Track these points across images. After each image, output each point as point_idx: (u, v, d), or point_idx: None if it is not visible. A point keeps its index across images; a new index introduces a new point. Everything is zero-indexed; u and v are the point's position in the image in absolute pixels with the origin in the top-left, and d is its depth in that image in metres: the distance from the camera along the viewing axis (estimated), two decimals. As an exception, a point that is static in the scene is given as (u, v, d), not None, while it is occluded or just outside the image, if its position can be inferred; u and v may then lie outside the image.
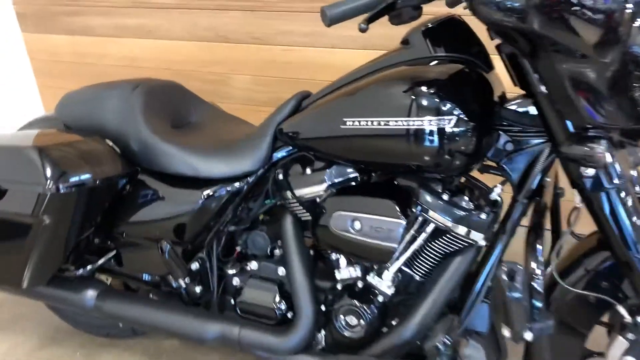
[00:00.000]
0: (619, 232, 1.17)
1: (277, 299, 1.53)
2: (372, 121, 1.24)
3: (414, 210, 1.29)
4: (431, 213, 1.29)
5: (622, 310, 1.21)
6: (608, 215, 1.17)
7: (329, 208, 1.37)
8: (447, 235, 1.31)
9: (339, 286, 1.46)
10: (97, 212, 1.56)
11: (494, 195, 1.32)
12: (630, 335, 1.21)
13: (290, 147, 1.48)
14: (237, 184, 1.50)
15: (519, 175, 1.30)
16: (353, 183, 1.40)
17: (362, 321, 1.40)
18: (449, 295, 1.34)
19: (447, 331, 1.35)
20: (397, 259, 1.34)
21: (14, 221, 1.49)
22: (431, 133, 1.20)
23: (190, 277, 1.56)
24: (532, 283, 1.19)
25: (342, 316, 1.42)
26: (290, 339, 1.45)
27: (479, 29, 1.31)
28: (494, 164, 1.33)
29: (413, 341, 1.36)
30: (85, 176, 1.44)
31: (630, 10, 0.95)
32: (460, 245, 1.32)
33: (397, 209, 1.27)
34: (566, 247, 1.36)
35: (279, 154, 1.50)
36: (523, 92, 1.25)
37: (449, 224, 1.28)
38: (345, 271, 1.44)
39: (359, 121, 1.26)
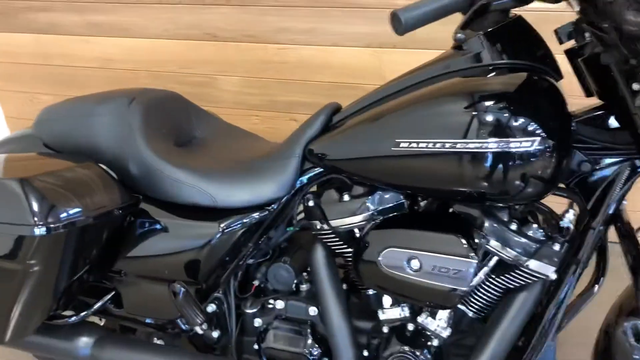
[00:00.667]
0: None
1: (309, 342, 1.33)
2: (433, 143, 1.05)
3: (477, 242, 1.11)
4: (496, 245, 1.12)
5: None
6: None
7: (376, 242, 1.17)
8: (515, 269, 1.14)
9: (384, 329, 1.27)
10: (92, 250, 1.32)
11: (566, 222, 1.15)
12: None
13: (320, 170, 1.28)
14: (259, 214, 1.29)
15: (593, 199, 1.13)
16: (396, 213, 1.21)
17: None
18: (516, 335, 1.18)
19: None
20: None
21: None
22: (508, 156, 1.02)
23: (207, 321, 1.35)
24: None
25: (393, 365, 1.23)
26: (329, 389, 1.27)
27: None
28: (562, 186, 1.16)
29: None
30: (81, 213, 1.21)
31: None
32: (527, 280, 1.15)
33: (467, 245, 1.09)
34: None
35: (306, 177, 1.29)
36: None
37: (520, 258, 1.11)
38: (391, 312, 1.26)
39: (417, 143, 1.07)
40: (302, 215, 1.32)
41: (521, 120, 1.01)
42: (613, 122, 1.11)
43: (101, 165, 1.31)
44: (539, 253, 1.12)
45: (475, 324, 1.26)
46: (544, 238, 1.12)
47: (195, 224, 1.31)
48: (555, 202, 1.20)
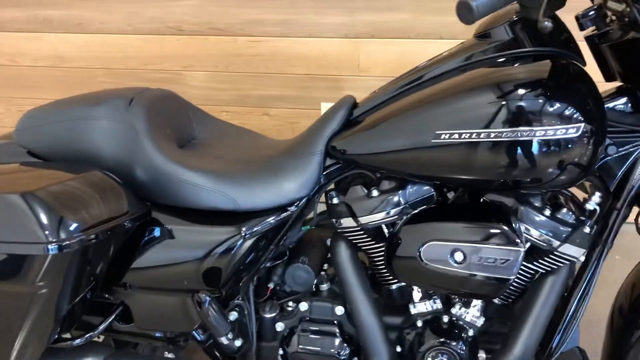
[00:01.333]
0: None
1: (338, 342, 1.30)
2: (477, 133, 1.04)
3: (518, 230, 1.11)
4: (533, 232, 1.13)
5: None
6: None
7: (414, 237, 1.15)
8: (547, 254, 1.16)
9: (418, 323, 1.25)
10: (100, 264, 1.22)
11: (592, 205, 1.17)
12: None
13: (340, 165, 1.24)
14: (282, 214, 1.24)
15: (616, 181, 1.17)
16: (425, 205, 1.20)
17: None
18: (548, 319, 1.20)
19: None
20: None
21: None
22: (551, 143, 1.02)
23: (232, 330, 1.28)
24: None
25: (431, 359, 1.22)
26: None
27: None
28: None
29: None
30: (94, 226, 1.11)
31: None
32: (558, 264, 1.17)
33: (513, 234, 1.09)
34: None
35: (326, 174, 1.25)
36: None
37: (554, 242, 1.13)
38: (422, 305, 1.25)
39: (459, 134, 1.05)
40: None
41: (563, 107, 1.02)
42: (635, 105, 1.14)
43: (107, 172, 1.21)
44: (571, 237, 1.13)
45: (501, 311, 1.27)
46: (574, 222, 1.14)
47: (215, 230, 1.23)
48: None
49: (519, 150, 1.04)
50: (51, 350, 1.28)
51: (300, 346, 1.31)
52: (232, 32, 2.22)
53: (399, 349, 1.28)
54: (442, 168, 1.10)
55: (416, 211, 1.19)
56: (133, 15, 2.27)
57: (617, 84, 1.18)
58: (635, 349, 1.25)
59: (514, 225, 1.11)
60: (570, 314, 1.20)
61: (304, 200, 1.24)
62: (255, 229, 1.22)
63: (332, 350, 1.29)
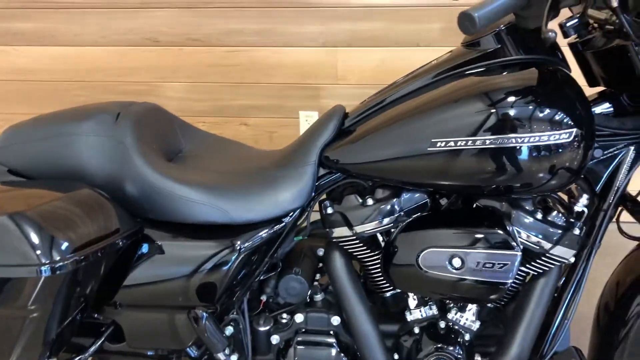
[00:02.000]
0: None
1: (335, 353, 1.29)
2: (472, 141, 1.06)
3: (513, 234, 1.13)
4: (526, 236, 1.15)
5: None
6: None
7: (411, 244, 1.16)
8: (539, 257, 1.18)
9: (415, 329, 1.26)
10: (91, 284, 1.19)
11: (580, 207, 1.20)
12: None
13: (333, 176, 1.25)
14: (276, 226, 1.23)
15: (602, 183, 1.20)
16: (419, 212, 1.21)
17: None
18: (541, 320, 1.22)
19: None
20: None
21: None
22: (543, 149, 1.05)
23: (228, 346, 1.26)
24: None
25: (431, 365, 1.23)
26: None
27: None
28: None
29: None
30: (87, 246, 1.08)
31: None
32: (549, 267, 1.20)
33: (510, 238, 1.11)
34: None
35: (319, 184, 1.25)
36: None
37: (547, 245, 1.15)
38: (418, 311, 1.26)
39: (455, 141, 1.07)
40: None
41: (556, 113, 1.04)
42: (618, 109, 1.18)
43: (97, 189, 1.18)
44: (561, 239, 1.16)
45: (494, 314, 1.29)
46: (565, 224, 1.17)
47: (209, 244, 1.22)
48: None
49: (514, 156, 1.06)
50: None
51: (297, 358, 1.30)
52: (208, 42, 2.20)
53: (396, 356, 1.28)
54: (438, 175, 1.12)
55: (411, 219, 1.19)
56: (107, 27, 2.23)
57: (600, 88, 1.22)
58: (622, 346, 1.28)
59: (508, 229, 1.12)
60: (561, 314, 1.23)
61: (298, 211, 1.24)
62: (250, 242, 1.21)
63: None
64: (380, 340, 1.26)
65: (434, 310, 1.25)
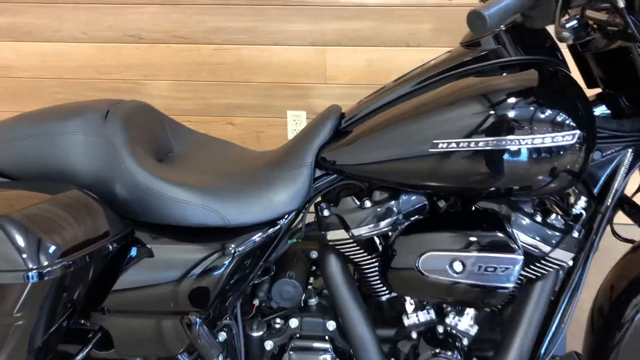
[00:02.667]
0: None
1: (331, 359, 1.26)
2: (475, 142, 1.04)
3: (514, 237, 1.12)
4: (526, 239, 1.13)
5: None
6: None
7: (410, 248, 1.14)
8: (538, 260, 1.17)
9: (413, 334, 1.24)
10: (78, 290, 1.14)
11: (579, 209, 1.20)
12: None
13: (329, 177, 1.22)
14: (272, 229, 1.20)
15: (599, 185, 1.19)
16: (417, 215, 1.19)
17: None
18: (539, 324, 1.21)
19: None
20: None
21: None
22: (546, 151, 1.03)
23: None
24: None
25: (430, 371, 1.21)
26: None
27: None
28: None
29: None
30: (76, 250, 1.04)
31: None
32: (547, 270, 1.19)
33: (511, 241, 1.09)
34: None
35: (315, 185, 1.22)
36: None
37: (546, 248, 1.14)
38: (416, 316, 1.23)
39: (457, 143, 1.05)
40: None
41: (559, 114, 1.03)
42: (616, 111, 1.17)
43: (85, 191, 1.14)
44: (561, 242, 1.15)
45: (490, 318, 1.28)
46: (564, 227, 1.16)
47: (202, 247, 1.18)
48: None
49: (516, 158, 1.04)
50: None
51: (294, 364, 1.27)
52: (195, 40, 2.15)
53: (393, 362, 1.26)
54: (439, 177, 1.10)
55: (410, 221, 1.17)
56: (89, 23, 2.16)
57: (597, 90, 1.21)
58: (616, 349, 1.28)
59: (509, 232, 1.11)
60: (558, 318, 1.22)
61: (293, 213, 1.21)
62: (244, 245, 1.17)
63: None
64: (377, 345, 1.24)
65: (432, 315, 1.23)
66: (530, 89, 1.06)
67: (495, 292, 1.11)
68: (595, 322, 1.34)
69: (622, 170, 1.18)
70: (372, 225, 1.17)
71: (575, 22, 1.12)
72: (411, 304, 1.24)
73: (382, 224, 1.17)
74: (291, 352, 1.27)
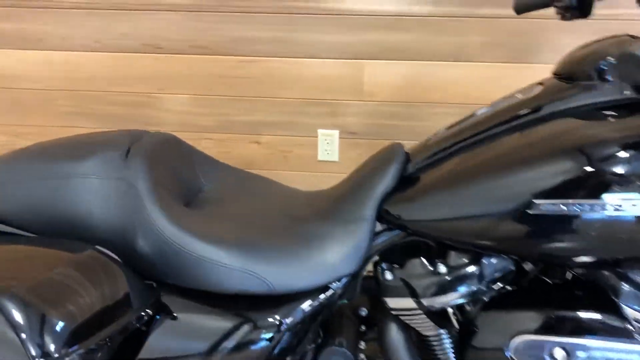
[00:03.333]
0: None
1: None
2: (589, 205, 0.83)
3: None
4: (635, 314, 0.93)
5: None
6: None
7: (497, 327, 0.94)
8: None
9: None
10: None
11: None
12: None
13: (391, 233, 1.02)
14: (324, 295, 1.00)
15: None
16: (502, 284, 0.99)
17: None
18: None
19: None
20: None
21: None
22: None
23: None
24: None
25: None
26: None
27: None
28: None
29: None
30: (95, 331, 0.84)
31: None
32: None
33: (625, 323, 0.89)
34: None
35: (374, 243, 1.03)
36: None
37: None
38: None
39: (566, 204, 0.84)
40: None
41: None
42: None
43: (105, 251, 0.94)
44: None
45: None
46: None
47: (241, 318, 0.98)
48: None
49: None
50: None
51: None
52: (217, 50, 1.95)
53: None
54: (540, 243, 0.89)
55: (492, 290, 0.97)
56: (101, 31, 1.96)
57: None
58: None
59: (623, 310, 0.91)
60: None
61: (351, 276, 1.01)
62: (292, 315, 0.98)
63: None
64: None
65: None
66: None
67: None
68: None
69: None
70: (448, 295, 0.97)
71: None
72: None
73: (460, 293, 0.97)
74: None
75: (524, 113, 0.95)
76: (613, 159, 0.84)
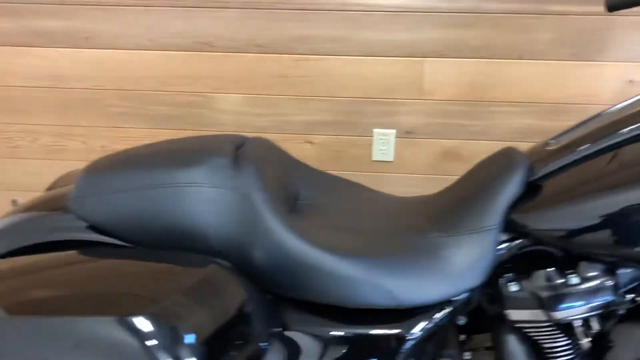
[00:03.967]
0: None
1: None
2: None
3: None
4: None
5: None
6: None
7: (635, 341, 0.89)
8: None
9: None
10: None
11: None
12: None
13: (514, 243, 0.98)
14: (448, 308, 0.96)
15: None
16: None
17: None
18: None
19: None
20: None
21: None
22: None
23: None
24: None
25: None
26: None
27: None
28: None
29: None
30: (228, 349, 0.79)
31: None
32: None
33: None
34: None
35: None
36: None
37: None
38: None
39: None
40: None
41: None
42: None
43: (226, 264, 0.89)
44: None
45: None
46: None
47: (368, 333, 0.94)
48: None
49: None
50: None
51: None
52: (275, 49, 1.90)
53: None
54: None
55: (628, 301, 0.93)
56: (154, 28, 1.91)
57: None
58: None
59: None
60: None
61: (474, 289, 0.96)
62: (420, 329, 0.93)
63: None
64: None
65: None
66: None
67: None
68: None
69: None
70: (581, 306, 0.93)
71: None
72: None
73: (594, 305, 0.92)
74: None
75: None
76: None
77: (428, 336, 0.96)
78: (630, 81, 1.78)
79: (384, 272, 0.92)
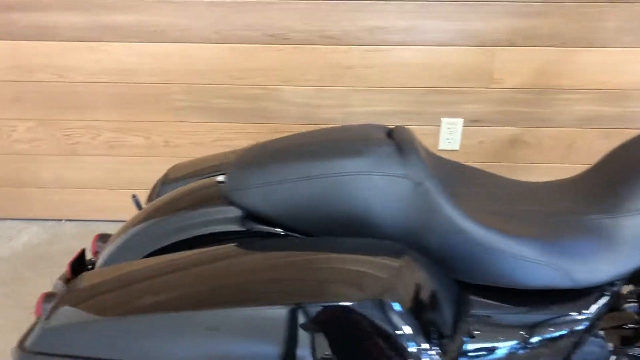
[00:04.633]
0: None
1: None
2: None
3: None
4: None
5: None
6: None
7: None
8: None
9: None
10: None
11: None
12: None
13: None
14: (615, 288, 0.99)
15: None
16: None
17: None
18: None
19: None
20: None
21: None
22: None
23: None
24: None
25: None
26: None
27: None
28: None
29: None
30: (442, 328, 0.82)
31: None
32: None
33: None
34: None
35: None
36: None
37: None
38: None
39: None
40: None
41: None
42: None
43: (413, 253, 0.91)
44: None
45: None
46: None
47: (549, 314, 0.96)
48: None
49: None
50: None
51: None
52: (345, 40, 1.91)
53: None
54: None
55: None
56: (222, 21, 1.90)
57: None
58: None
59: None
60: None
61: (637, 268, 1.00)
62: (593, 309, 0.96)
63: None
64: None
65: None
66: None
67: None
68: None
69: None
70: None
71: None
72: None
73: None
74: None
75: None
76: None
77: (601, 315, 0.99)
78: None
79: (561, 253, 0.94)
